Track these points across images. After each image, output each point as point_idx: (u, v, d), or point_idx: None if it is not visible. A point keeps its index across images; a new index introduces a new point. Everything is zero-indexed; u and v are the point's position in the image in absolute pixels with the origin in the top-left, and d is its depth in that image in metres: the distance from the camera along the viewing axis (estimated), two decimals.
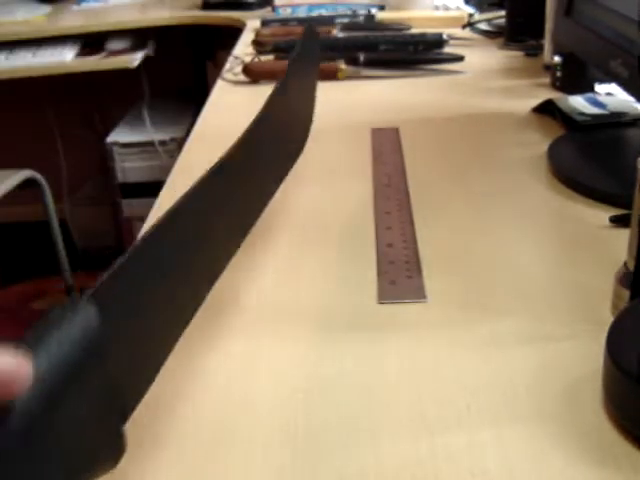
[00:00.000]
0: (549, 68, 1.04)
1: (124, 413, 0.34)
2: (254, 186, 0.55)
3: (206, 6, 1.90)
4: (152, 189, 0.83)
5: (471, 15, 1.41)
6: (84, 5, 2.12)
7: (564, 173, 0.72)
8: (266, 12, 1.69)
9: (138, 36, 2.02)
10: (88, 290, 0.31)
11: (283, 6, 1.64)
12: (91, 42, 1.98)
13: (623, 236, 0.52)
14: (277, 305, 0.54)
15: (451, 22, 1.40)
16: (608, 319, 0.46)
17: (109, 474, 0.32)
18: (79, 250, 2.28)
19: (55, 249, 1.91)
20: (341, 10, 1.54)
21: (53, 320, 0.29)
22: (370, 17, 1.46)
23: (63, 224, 2.03)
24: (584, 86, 0.96)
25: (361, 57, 1.13)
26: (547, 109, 0.90)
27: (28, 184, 1.81)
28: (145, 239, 0.35)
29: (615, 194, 0.66)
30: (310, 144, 0.76)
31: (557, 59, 0.99)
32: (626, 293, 0.48)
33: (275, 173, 0.62)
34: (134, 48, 2.00)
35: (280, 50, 1.21)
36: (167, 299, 0.39)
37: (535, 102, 0.93)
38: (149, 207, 0.70)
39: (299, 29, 1.36)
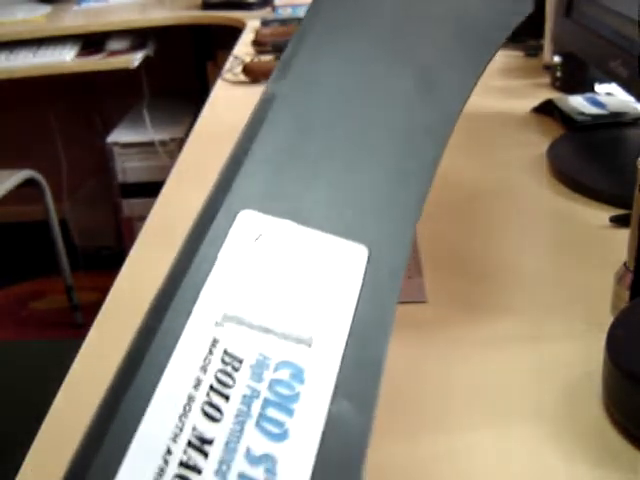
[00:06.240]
0: (549, 68, 1.03)
1: None
2: None
3: (206, 6, 1.90)
4: (152, 189, 0.83)
5: None
6: (84, 5, 2.13)
7: (564, 173, 0.72)
8: (266, 12, 1.69)
9: (138, 36, 2.02)
10: None
11: (283, 6, 1.64)
12: (91, 42, 1.99)
13: (623, 236, 0.52)
14: None
15: None
16: (608, 319, 0.45)
17: None
18: (79, 250, 2.28)
19: (55, 249, 1.91)
20: None
21: None
22: None
23: (63, 224, 2.03)
24: (584, 86, 0.96)
25: None
26: (547, 109, 0.90)
27: (28, 184, 1.81)
28: None
29: (615, 194, 0.66)
30: None
31: (557, 59, 0.99)
32: (626, 293, 0.48)
33: None
34: (134, 48, 2.00)
35: (280, 50, 1.21)
36: None
37: (535, 102, 0.93)
38: (149, 207, 0.69)
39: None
